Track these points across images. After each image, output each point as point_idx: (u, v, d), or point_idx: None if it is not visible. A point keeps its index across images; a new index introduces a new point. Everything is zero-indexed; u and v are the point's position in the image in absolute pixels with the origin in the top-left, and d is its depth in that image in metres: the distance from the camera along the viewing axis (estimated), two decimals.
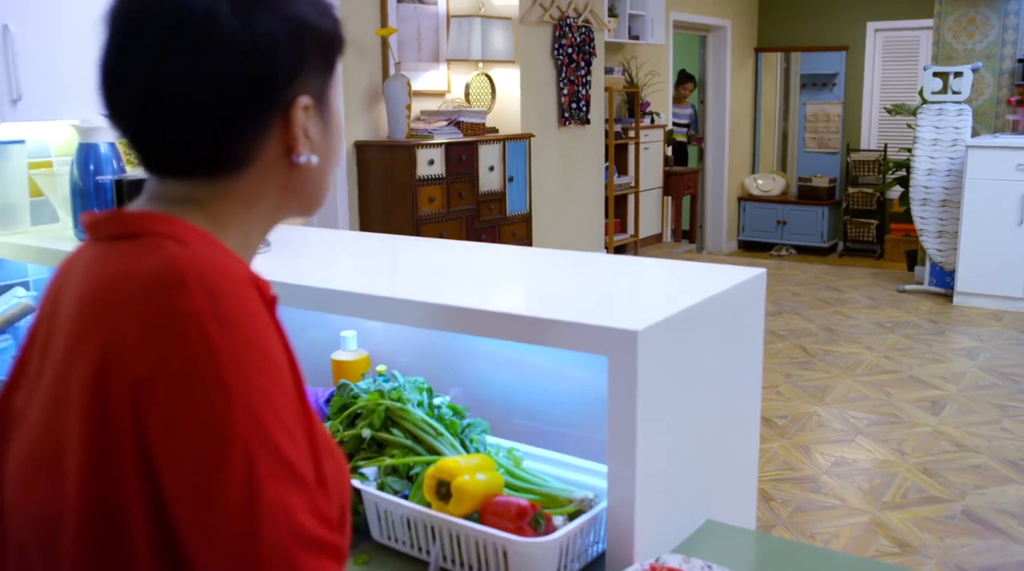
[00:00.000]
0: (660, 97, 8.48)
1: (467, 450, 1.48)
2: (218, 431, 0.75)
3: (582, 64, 6.45)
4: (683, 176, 8.73)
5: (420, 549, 1.37)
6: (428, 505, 1.35)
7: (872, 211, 9.50)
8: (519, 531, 1.27)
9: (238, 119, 0.85)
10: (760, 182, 10.15)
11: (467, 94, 5.81)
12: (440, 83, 5.73)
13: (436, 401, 1.55)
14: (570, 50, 6.32)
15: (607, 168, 7.19)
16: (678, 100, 9.00)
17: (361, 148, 5.02)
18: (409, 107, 5.02)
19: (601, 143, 6.92)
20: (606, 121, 7.08)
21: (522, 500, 1.31)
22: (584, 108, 6.52)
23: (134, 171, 2.40)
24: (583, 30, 6.42)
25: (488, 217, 5.36)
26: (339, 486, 0.87)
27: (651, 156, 8.22)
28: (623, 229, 7.84)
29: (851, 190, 9.60)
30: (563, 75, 6.30)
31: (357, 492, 1.41)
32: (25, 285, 2.48)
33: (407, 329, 1.76)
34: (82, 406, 0.79)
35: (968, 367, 4.96)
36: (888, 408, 4.36)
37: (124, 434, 0.76)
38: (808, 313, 6.19)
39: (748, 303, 1.60)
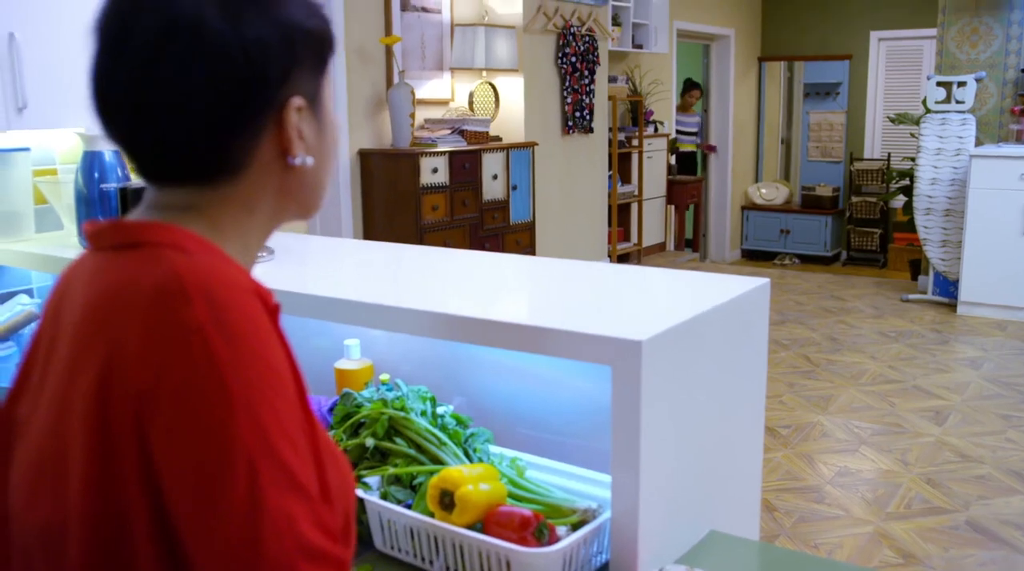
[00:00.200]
0: (664, 106, 8.49)
1: (470, 460, 1.48)
2: (221, 442, 0.75)
3: (586, 73, 6.46)
4: (686, 185, 8.73)
5: (423, 559, 1.37)
6: (431, 515, 1.35)
7: (875, 220, 9.50)
8: (522, 541, 1.26)
9: (230, 123, 0.85)
10: (763, 191, 10.15)
11: (471, 102, 5.82)
12: (444, 91, 5.74)
13: (439, 410, 1.55)
14: (574, 59, 6.33)
15: (610, 177, 7.19)
16: (684, 108, 8.97)
17: (365, 156, 5.03)
18: (413, 115, 5.03)
19: (604, 152, 6.93)
20: (609, 130, 7.09)
21: (525, 510, 1.30)
22: (588, 117, 6.53)
23: (138, 179, 2.40)
24: (587, 39, 6.44)
25: (491, 225, 5.36)
26: (343, 495, 0.87)
27: (654, 165, 8.22)
28: (626, 238, 7.84)
29: (854, 199, 9.60)
30: (567, 84, 6.31)
31: (360, 501, 1.40)
32: (29, 292, 2.48)
33: (411, 338, 1.76)
34: (85, 416, 0.79)
35: (972, 377, 4.95)
36: (892, 418, 4.35)
37: (127, 444, 0.76)
38: (811, 322, 6.18)
39: (752, 313, 1.60)
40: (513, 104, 5.96)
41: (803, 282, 7.57)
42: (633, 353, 1.23)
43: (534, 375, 1.65)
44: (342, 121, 4.88)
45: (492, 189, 5.35)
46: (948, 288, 6.50)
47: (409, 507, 1.40)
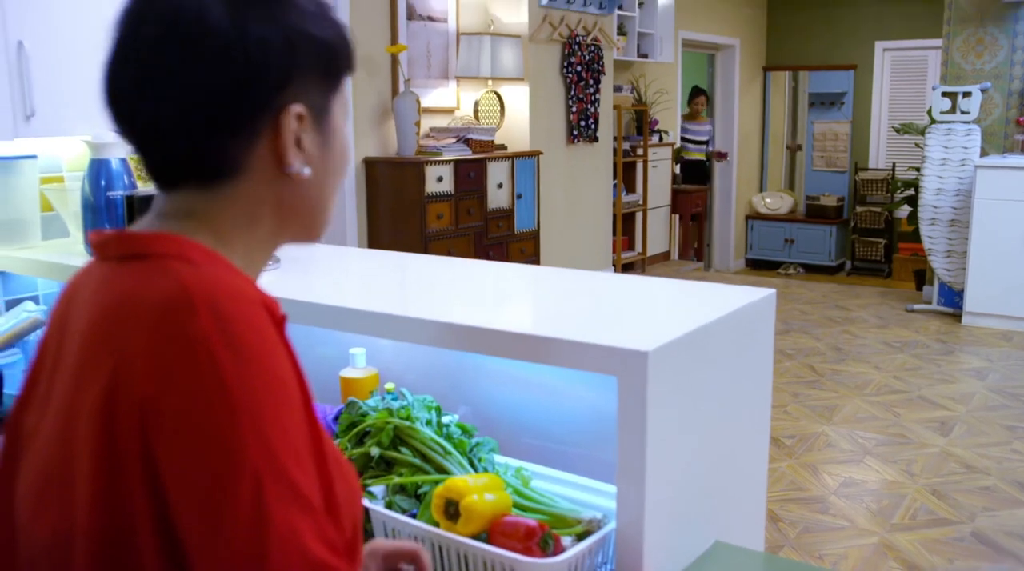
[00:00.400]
0: (669, 115, 8.49)
1: (475, 469, 1.48)
2: (227, 456, 0.74)
3: (591, 82, 6.47)
4: (691, 194, 8.72)
5: None
6: (436, 524, 1.34)
7: (880, 230, 9.50)
8: (527, 551, 1.26)
9: (227, 121, 0.85)
10: (768, 200, 10.15)
11: (476, 111, 5.83)
12: (449, 100, 5.75)
13: (444, 420, 1.55)
14: (579, 68, 6.34)
15: (615, 186, 7.20)
16: (693, 117, 8.90)
17: (370, 164, 5.04)
18: (418, 124, 5.04)
19: (609, 161, 6.93)
20: (614, 139, 7.09)
21: (531, 520, 1.30)
22: (593, 126, 6.53)
23: (145, 187, 2.41)
24: (592, 48, 6.45)
25: (496, 234, 5.36)
26: (350, 507, 0.87)
27: (659, 174, 8.23)
28: (631, 247, 7.84)
29: (859, 209, 9.60)
30: (572, 93, 6.32)
31: (365, 510, 1.40)
32: (35, 299, 2.49)
33: (416, 347, 1.76)
34: (92, 427, 0.78)
35: (977, 388, 4.94)
36: (897, 428, 4.34)
37: (133, 457, 0.76)
38: (816, 332, 6.17)
39: (758, 324, 1.60)
40: (518, 113, 5.97)
41: (807, 292, 7.56)
42: (639, 364, 1.23)
43: (539, 385, 1.65)
44: (348, 130, 4.89)
45: (497, 198, 5.36)
46: (953, 298, 6.48)
47: (414, 516, 1.40)
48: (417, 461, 1.46)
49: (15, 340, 2.24)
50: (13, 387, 2.23)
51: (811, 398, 4.79)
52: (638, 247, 7.88)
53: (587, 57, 6.40)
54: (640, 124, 7.82)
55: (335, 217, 4.93)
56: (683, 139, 8.88)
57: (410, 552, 1.17)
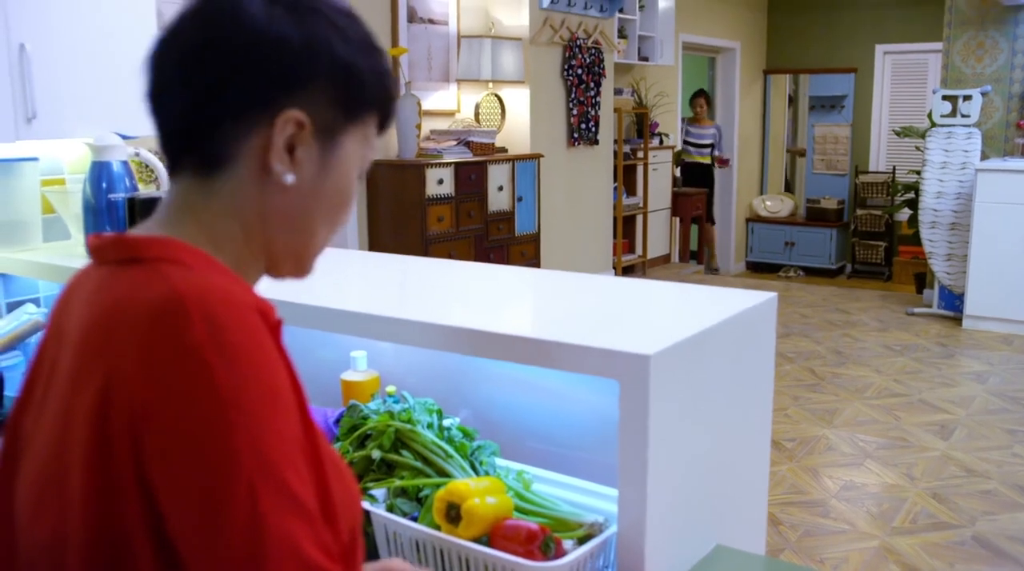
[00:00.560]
0: (669, 118, 8.50)
1: (477, 472, 1.48)
2: (220, 464, 0.74)
3: (591, 85, 6.47)
4: (692, 197, 8.72)
5: None
6: (437, 528, 1.34)
7: (880, 233, 9.50)
8: (529, 555, 1.26)
9: (219, 101, 0.85)
10: (768, 203, 10.15)
11: (477, 114, 5.84)
12: (450, 103, 5.75)
13: (446, 423, 1.55)
14: (580, 71, 6.35)
15: (616, 188, 7.20)
16: (697, 119, 8.83)
17: (371, 167, 5.03)
18: (419, 126, 5.04)
19: (610, 163, 6.94)
20: (615, 142, 7.10)
21: (532, 524, 1.30)
22: (593, 129, 6.54)
23: (146, 190, 2.41)
24: (593, 51, 6.45)
25: (497, 237, 5.36)
26: (348, 512, 0.86)
27: (660, 177, 8.23)
28: (631, 249, 7.84)
29: (859, 212, 9.60)
30: (572, 96, 6.33)
31: (366, 514, 1.40)
32: (36, 301, 2.49)
33: (417, 350, 1.76)
34: (86, 433, 0.78)
35: (978, 391, 4.94)
36: (897, 432, 4.33)
37: (125, 463, 0.76)
38: (816, 335, 6.17)
39: (759, 327, 1.60)
40: (519, 116, 5.97)
41: (808, 295, 7.56)
42: (641, 367, 1.23)
43: (540, 388, 1.65)
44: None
45: (497, 200, 5.36)
46: (953, 302, 6.48)
47: (415, 520, 1.40)
48: (418, 464, 1.46)
49: (16, 342, 2.24)
50: (14, 389, 2.23)
51: (811, 401, 4.79)
52: (638, 250, 7.88)
53: (588, 60, 6.41)
54: (641, 127, 7.83)
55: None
56: (685, 142, 8.85)
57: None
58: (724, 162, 9.34)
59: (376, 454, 1.47)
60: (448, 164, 4.99)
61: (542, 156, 5.81)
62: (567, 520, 1.36)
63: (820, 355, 5.67)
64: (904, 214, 8.10)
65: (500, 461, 1.55)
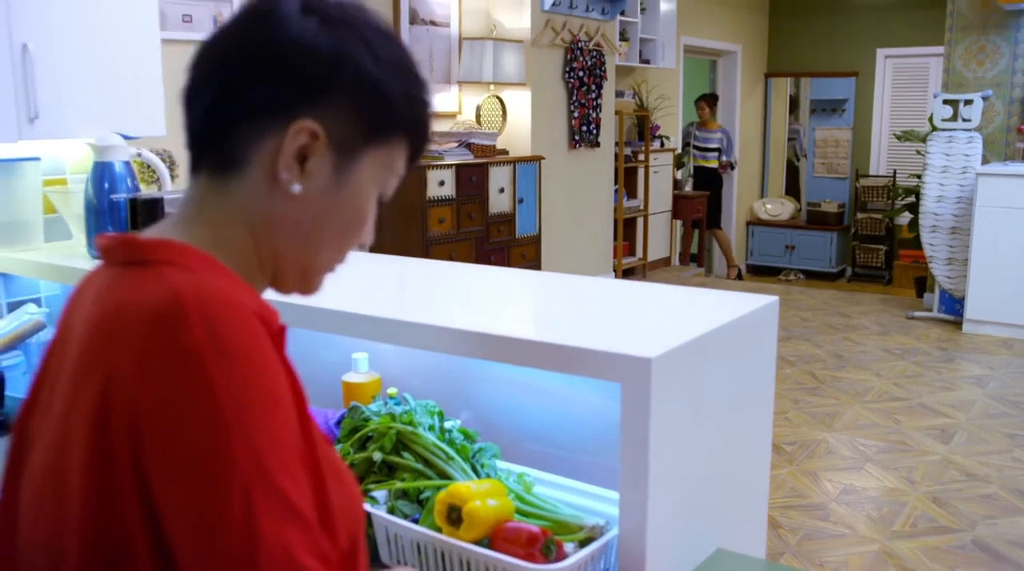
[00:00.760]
0: (670, 121, 8.50)
1: (478, 475, 1.47)
2: (216, 470, 0.74)
3: (593, 87, 6.48)
4: (692, 200, 8.72)
5: None
6: (438, 530, 1.34)
7: (881, 237, 9.50)
8: (530, 557, 1.26)
9: (237, 102, 0.86)
10: (769, 207, 10.15)
11: (478, 116, 5.84)
12: (451, 105, 5.75)
13: (447, 425, 1.55)
14: (581, 73, 6.35)
15: (616, 191, 7.20)
16: (703, 124, 8.75)
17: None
18: None
19: (611, 166, 6.94)
20: (616, 144, 7.10)
21: (533, 526, 1.30)
22: (594, 131, 6.54)
23: (148, 190, 2.41)
24: (594, 54, 6.46)
25: (497, 238, 5.36)
26: (350, 517, 0.86)
27: (660, 179, 8.23)
28: (632, 252, 7.85)
29: (860, 216, 9.60)
30: (574, 98, 6.33)
31: (367, 515, 1.40)
32: (37, 301, 2.49)
33: (418, 352, 1.76)
34: (85, 437, 0.78)
35: (978, 395, 4.94)
36: (897, 436, 4.33)
37: (124, 467, 0.76)
38: (817, 339, 6.17)
39: (761, 331, 1.60)
40: (520, 118, 5.98)
41: (808, 298, 7.56)
42: (643, 370, 1.23)
43: (542, 390, 1.65)
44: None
45: (498, 202, 5.36)
46: (954, 306, 6.48)
47: (416, 522, 1.40)
48: (419, 466, 1.46)
49: (17, 342, 2.24)
50: (14, 389, 2.23)
51: (812, 405, 4.79)
52: (639, 253, 7.88)
53: (589, 62, 6.41)
54: (642, 130, 7.83)
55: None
56: (694, 147, 8.76)
57: None
58: (726, 166, 9.28)
59: (377, 456, 1.47)
60: (449, 166, 4.99)
61: (543, 158, 5.81)
62: (568, 523, 1.36)
63: (820, 358, 5.67)
64: (905, 218, 8.10)
65: (501, 463, 1.55)
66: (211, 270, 0.84)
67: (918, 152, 7.08)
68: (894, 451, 4.14)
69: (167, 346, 0.76)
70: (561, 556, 1.28)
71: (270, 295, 0.95)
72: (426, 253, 4.82)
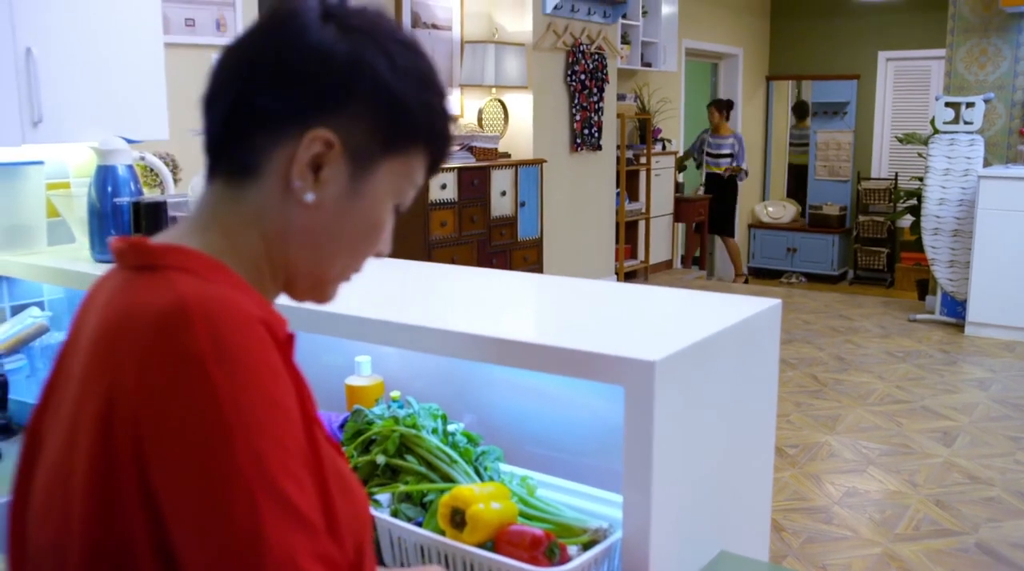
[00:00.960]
0: (672, 124, 8.50)
1: (481, 478, 1.48)
2: (220, 476, 0.74)
3: (594, 91, 6.48)
4: (693, 203, 8.71)
5: None
6: (442, 533, 1.34)
7: (883, 239, 9.50)
8: (533, 560, 1.26)
9: (253, 108, 0.85)
10: (771, 209, 10.15)
11: (480, 119, 5.85)
12: (453, 108, 5.75)
13: (450, 428, 1.55)
14: (583, 77, 6.35)
15: (618, 194, 7.20)
16: (715, 130, 8.60)
17: None
18: None
19: (612, 169, 6.94)
20: (618, 147, 7.10)
21: (536, 529, 1.30)
22: (596, 134, 6.54)
23: (151, 194, 2.41)
24: (596, 57, 6.46)
25: (499, 242, 5.37)
26: (355, 526, 0.86)
27: (662, 182, 8.23)
28: (633, 255, 7.85)
29: (862, 218, 9.60)
30: (575, 101, 6.33)
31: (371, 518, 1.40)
32: (40, 305, 2.49)
33: (422, 355, 1.76)
34: (91, 441, 0.78)
35: (980, 398, 4.93)
36: (900, 438, 4.33)
37: (128, 473, 0.76)
38: (819, 341, 6.17)
39: (763, 334, 1.60)
40: (522, 121, 5.98)
41: (810, 301, 7.56)
42: (646, 373, 1.23)
43: (544, 393, 1.65)
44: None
45: (500, 205, 5.36)
46: (956, 308, 6.48)
47: (419, 525, 1.40)
48: (423, 469, 1.46)
49: (20, 346, 2.24)
50: (18, 392, 2.23)
51: (814, 408, 4.79)
52: (640, 255, 7.88)
53: (591, 66, 6.41)
54: (643, 133, 7.84)
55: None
56: (707, 154, 8.66)
57: None
58: (735, 171, 9.17)
59: (381, 459, 1.47)
60: (451, 169, 4.99)
61: (545, 161, 5.82)
62: (571, 526, 1.36)
63: (822, 361, 5.67)
64: (906, 221, 8.10)
65: (504, 466, 1.55)
66: (220, 277, 0.84)
67: (920, 155, 7.08)
68: (896, 454, 4.14)
69: (170, 351, 0.76)
70: (565, 559, 1.29)
71: (281, 301, 0.95)
72: (428, 256, 4.82)
